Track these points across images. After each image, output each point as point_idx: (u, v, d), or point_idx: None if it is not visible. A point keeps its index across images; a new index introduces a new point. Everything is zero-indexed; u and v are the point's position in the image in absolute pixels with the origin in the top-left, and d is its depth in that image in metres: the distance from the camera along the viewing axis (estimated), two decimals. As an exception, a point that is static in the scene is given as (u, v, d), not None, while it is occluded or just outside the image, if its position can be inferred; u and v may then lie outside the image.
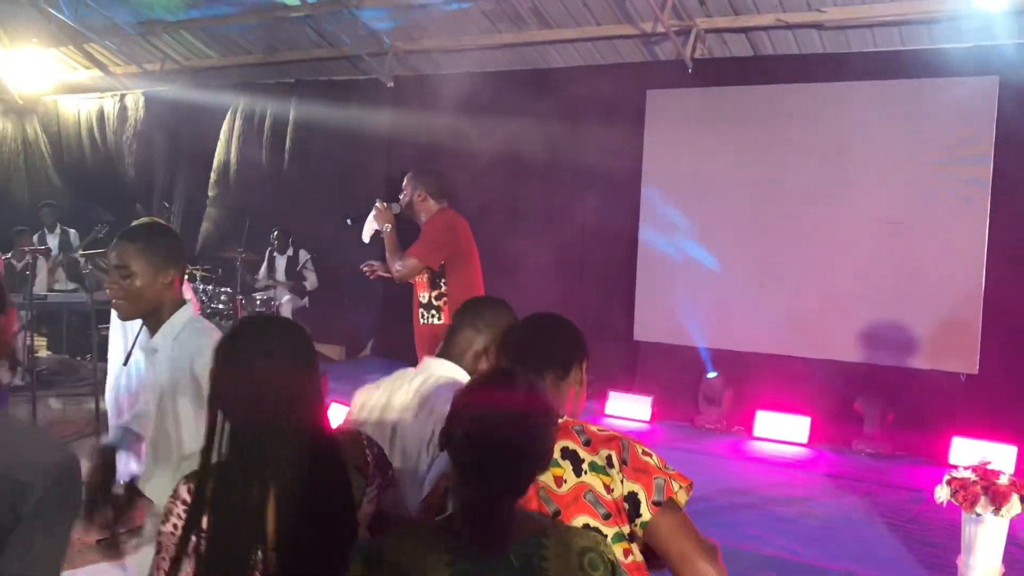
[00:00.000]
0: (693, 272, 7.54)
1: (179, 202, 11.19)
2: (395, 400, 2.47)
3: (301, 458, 1.74)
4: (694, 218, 7.56)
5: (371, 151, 9.59)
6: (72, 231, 10.36)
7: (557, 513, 1.91)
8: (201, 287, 9.16)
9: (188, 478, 1.78)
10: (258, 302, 9.27)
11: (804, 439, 6.73)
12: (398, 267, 4.76)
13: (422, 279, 4.81)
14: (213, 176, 10.80)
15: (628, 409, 7.42)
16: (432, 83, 9.00)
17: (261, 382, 1.75)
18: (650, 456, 1.99)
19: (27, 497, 1.48)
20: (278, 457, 1.73)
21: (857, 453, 6.52)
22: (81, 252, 9.63)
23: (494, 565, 1.55)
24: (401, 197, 4.95)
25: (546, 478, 1.94)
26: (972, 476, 3.81)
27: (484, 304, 2.60)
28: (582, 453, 1.96)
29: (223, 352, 1.80)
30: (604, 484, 1.94)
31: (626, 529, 1.94)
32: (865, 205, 6.85)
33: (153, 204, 10.90)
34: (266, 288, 9.45)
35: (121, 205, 10.94)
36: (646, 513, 1.92)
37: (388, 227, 4.86)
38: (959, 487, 3.77)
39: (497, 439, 1.60)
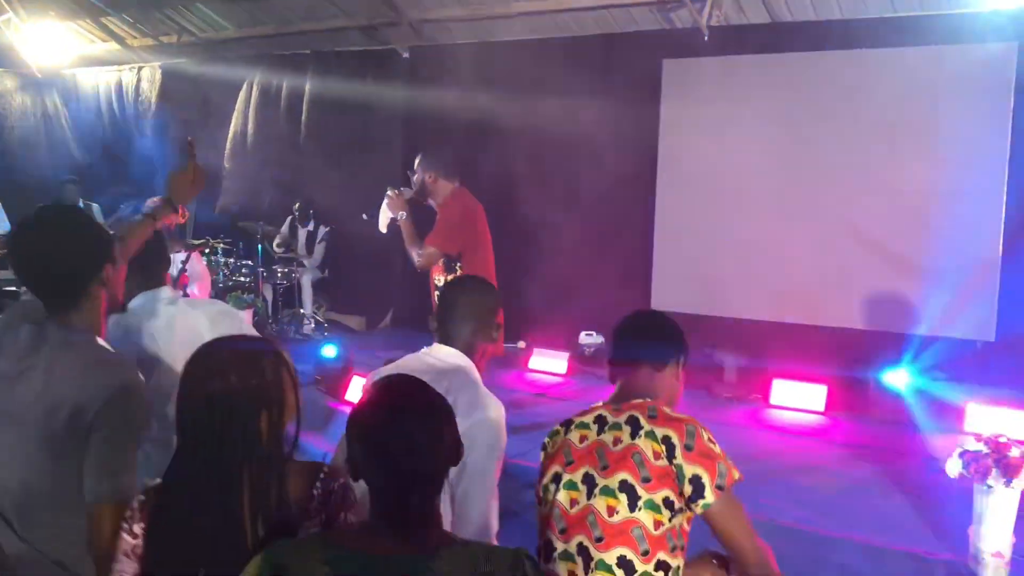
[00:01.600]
0: (711, 242, 7.57)
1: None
2: None
3: (250, 485, 1.73)
4: (711, 188, 7.57)
5: (387, 122, 9.62)
6: (95, 205, 10.45)
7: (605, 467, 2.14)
8: (223, 260, 9.27)
9: (146, 493, 1.78)
10: (279, 275, 9.38)
11: (821, 407, 6.78)
12: (418, 256, 4.77)
13: (438, 263, 4.86)
14: (228, 146, 10.86)
15: (646, 378, 7.47)
16: (448, 53, 9.01)
17: (225, 409, 1.73)
18: (714, 444, 2.15)
19: (85, 415, 1.85)
20: (229, 482, 1.72)
21: (873, 421, 6.57)
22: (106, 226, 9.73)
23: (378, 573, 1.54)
24: (412, 180, 4.96)
25: (605, 437, 2.19)
26: (984, 448, 3.86)
27: (471, 287, 2.69)
28: (643, 421, 2.16)
29: (192, 371, 1.78)
30: (655, 451, 2.11)
31: (659, 497, 2.09)
32: (883, 173, 6.84)
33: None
34: (289, 259, 9.53)
35: (141, 178, 11.02)
36: (709, 496, 2.08)
37: (403, 214, 4.84)
38: (971, 459, 3.83)
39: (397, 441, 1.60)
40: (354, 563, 1.54)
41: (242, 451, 1.73)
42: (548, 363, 7.87)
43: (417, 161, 4.98)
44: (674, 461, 2.09)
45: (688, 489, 2.08)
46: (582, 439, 2.26)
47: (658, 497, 2.09)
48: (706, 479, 2.07)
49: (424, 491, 1.61)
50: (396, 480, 1.59)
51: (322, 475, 1.83)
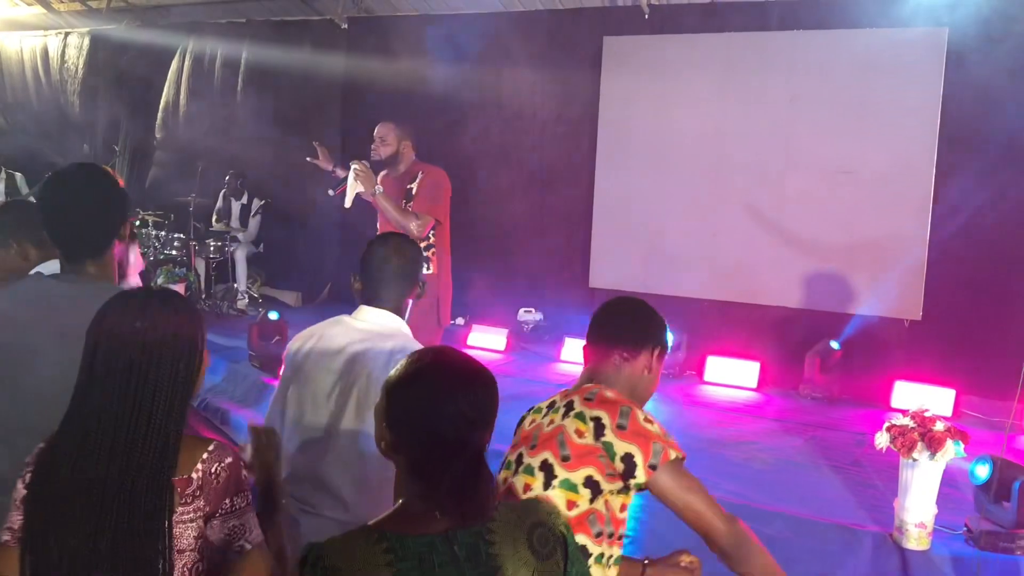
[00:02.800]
0: (648, 220, 7.62)
1: (127, 144, 10.95)
2: (333, 343, 2.49)
3: (136, 451, 1.63)
4: (649, 166, 7.62)
5: (326, 95, 9.46)
6: (18, 175, 10.12)
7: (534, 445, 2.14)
8: (154, 233, 9.04)
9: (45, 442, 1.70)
10: (211, 248, 9.18)
11: (754, 384, 6.90)
12: (416, 226, 4.68)
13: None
14: (160, 116, 10.56)
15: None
16: (387, 25, 8.88)
17: (133, 364, 1.65)
18: (652, 424, 2.11)
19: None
20: (115, 445, 1.63)
21: (804, 397, 6.71)
22: (30, 196, 9.43)
23: (439, 560, 1.48)
24: (376, 148, 4.87)
25: (544, 419, 2.19)
26: (910, 423, 3.96)
27: (395, 245, 2.62)
28: (578, 403, 2.14)
29: (98, 325, 1.69)
30: (578, 430, 2.09)
31: (578, 476, 2.06)
32: (816, 154, 6.96)
33: (98, 146, 10.66)
34: (222, 233, 9.33)
35: (69, 147, 10.69)
36: (641, 475, 2.05)
37: (380, 189, 4.74)
38: (897, 434, 3.93)
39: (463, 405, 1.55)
40: (417, 546, 1.48)
41: (130, 410, 1.64)
42: (487, 339, 7.86)
43: (387, 129, 4.90)
44: (602, 439, 2.06)
45: (620, 467, 2.05)
46: (531, 422, 2.25)
47: (577, 476, 2.06)
48: (639, 458, 2.05)
49: (481, 458, 1.57)
50: (455, 452, 1.53)
51: (205, 455, 1.70)
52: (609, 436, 2.06)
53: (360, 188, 4.77)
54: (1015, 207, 6.27)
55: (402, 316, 2.54)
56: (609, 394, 2.16)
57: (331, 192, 5.03)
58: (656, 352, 2.34)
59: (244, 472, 1.79)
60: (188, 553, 1.68)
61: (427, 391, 1.55)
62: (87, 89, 11.15)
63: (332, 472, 2.39)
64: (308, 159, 5.33)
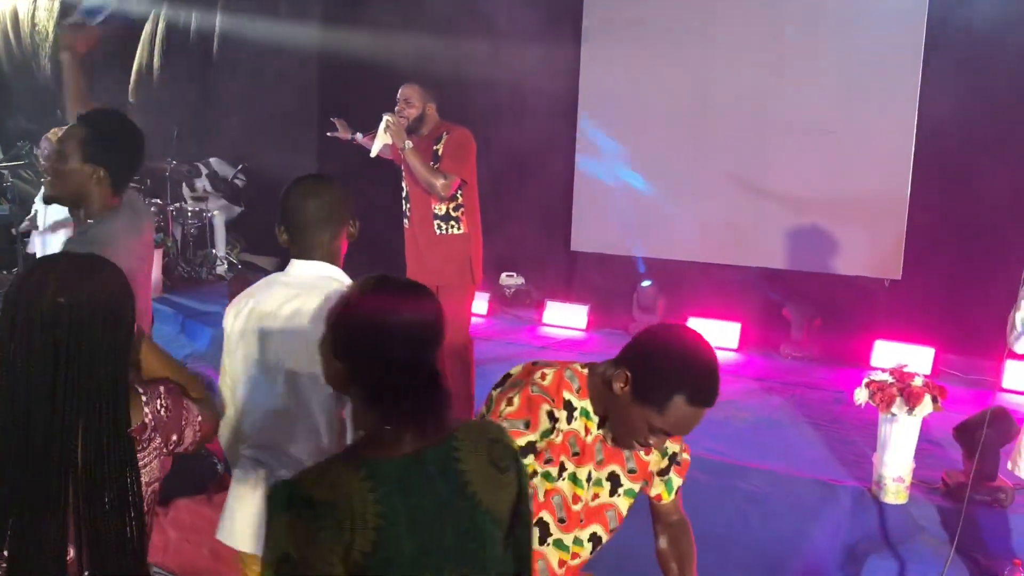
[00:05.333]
0: (628, 182, 7.59)
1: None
2: (267, 306, 2.30)
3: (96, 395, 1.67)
4: (630, 127, 7.57)
5: (302, 61, 9.33)
6: (-11, 141, 9.94)
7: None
8: (129, 198, 8.91)
9: None
10: (189, 213, 9.07)
11: (734, 344, 6.92)
12: (442, 185, 4.64)
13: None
14: (133, 80, 10.39)
15: (565, 318, 7.53)
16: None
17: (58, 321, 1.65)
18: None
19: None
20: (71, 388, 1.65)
21: (784, 357, 6.74)
22: (2, 164, 9.27)
23: (415, 480, 1.50)
24: (401, 110, 4.78)
25: None
26: (889, 378, 3.98)
27: (315, 187, 2.37)
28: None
29: (28, 281, 1.69)
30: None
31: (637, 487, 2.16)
32: (795, 113, 6.91)
33: (71, 111, 10.46)
34: (199, 198, 9.21)
35: (41, 112, 10.50)
36: None
37: (410, 144, 4.66)
38: (876, 389, 3.94)
39: (420, 320, 1.57)
40: (393, 470, 1.48)
41: (77, 370, 1.64)
42: (467, 303, 7.81)
43: (411, 90, 4.83)
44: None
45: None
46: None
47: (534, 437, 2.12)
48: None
49: (437, 375, 1.57)
50: (410, 374, 1.52)
51: (144, 397, 1.76)
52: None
53: (388, 141, 4.72)
54: (996, 166, 6.26)
55: (337, 263, 2.35)
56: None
57: (359, 136, 5.05)
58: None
59: (172, 385, 1.86)
60: (154, 484, 1.79)
61: (376, 316, 1.55)
62: (59, 52, 10.90)
63: (290, 440, 2.26)
64: (328, 134, 5.38)
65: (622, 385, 2.00)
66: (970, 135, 6.31)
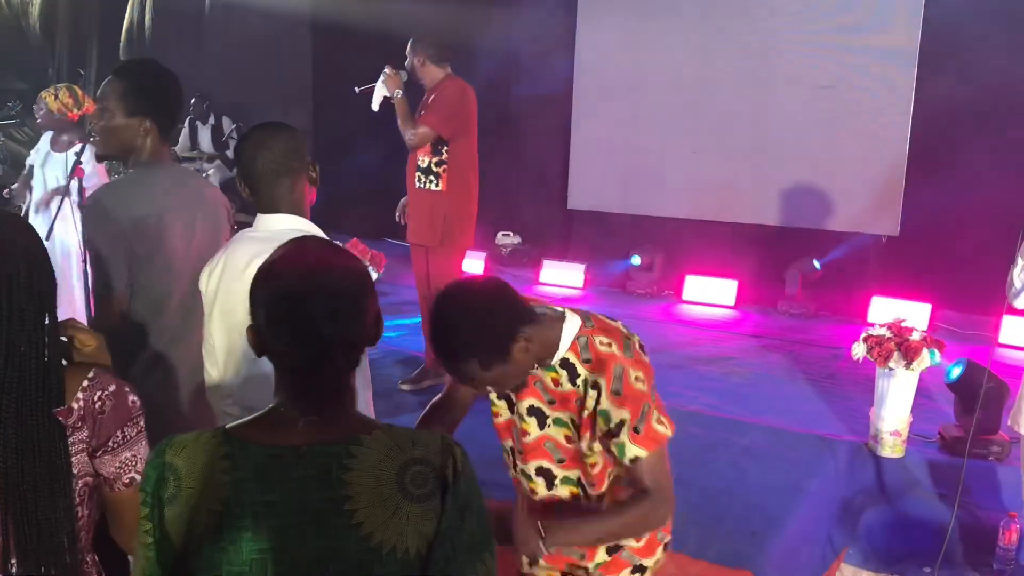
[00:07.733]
0: (626, 140, 7.53)
1: (92, 67, 10.63)
2: (239, 263, 2.23)
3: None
4: (627, 84, 7.49)
5: (295, 17, 9.21)
6: (-19, 100, 9.84)
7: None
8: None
9: None
10: (183, 173, 8.98)
11: (731, 302, 6.92)
12: (411, 135, 4.68)
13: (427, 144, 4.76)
14: (123, 38, 10.26)
15: (562, 277, 7.51)
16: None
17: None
18: (642, 382, 2.02)
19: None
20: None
21: (782, 314, 6.75)
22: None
23: (280, 476, 1.33)
24: (406, 63, 4.84)
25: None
26: (887, 333, 3.98)
27: (265, 135, 2.29)
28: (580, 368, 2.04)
29: None
30: (553, 379, 2.06)
31: (565, 416, 2.07)
32: (795, 70, 6.85)
33: (64, 70, 10.36)
34: (191, 159, 9.13)
35: (31, 71, 10.40)
36: (625, 439, 1.97)
37: (399, 93, 4.72)
38: (874, 344, 3.95)
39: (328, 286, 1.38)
40: (260, 456, 1.33)
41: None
42: (465, 264, 7.79)
43: (409, 44, 4.85)
44: None
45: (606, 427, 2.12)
46: None
47: (565, 416, 2.14)
48: (627, 423, 2.07)
49: (340, 364, 1.39)
50: (310, 348, 1.35)
51: (86, 383, 1.60)
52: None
53: (386, 92, 4.76)
54: (992, 123, 6.21)
55: (302, 213, 2.31)
56: (597, 342, 2.10)
57: (356, 90, 4.98)
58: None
59: (133, 398, 1.67)
60: (87, 479, 1.63)
61: (283, 283, 1.38)
62: (47, 9, 10.78)
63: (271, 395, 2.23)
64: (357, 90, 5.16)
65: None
66: (967, 91, 6.25)
